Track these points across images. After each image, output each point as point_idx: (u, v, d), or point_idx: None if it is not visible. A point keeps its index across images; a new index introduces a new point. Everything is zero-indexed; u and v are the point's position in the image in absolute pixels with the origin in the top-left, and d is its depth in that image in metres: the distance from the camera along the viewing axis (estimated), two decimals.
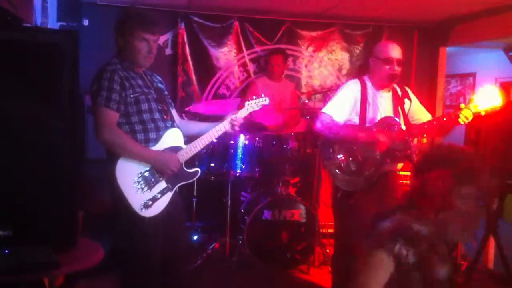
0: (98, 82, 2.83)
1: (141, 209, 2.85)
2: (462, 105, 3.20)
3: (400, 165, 3.57)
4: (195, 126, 3.29)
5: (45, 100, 2.58)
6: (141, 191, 2.87)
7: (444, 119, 3.31)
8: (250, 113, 3.34)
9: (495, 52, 6.34)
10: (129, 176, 2.86)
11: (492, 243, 4.67)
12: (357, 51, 6.15)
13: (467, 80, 7.34)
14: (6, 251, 2.35)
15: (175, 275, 3.12)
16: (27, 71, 2.55)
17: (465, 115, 3.20)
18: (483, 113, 3.18)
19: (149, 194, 2.88)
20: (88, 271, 2.55)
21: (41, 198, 2.57)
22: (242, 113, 3.25)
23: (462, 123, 3.23)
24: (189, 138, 3.13)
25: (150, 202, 2.88)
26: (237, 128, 3.21)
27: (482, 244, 4.42)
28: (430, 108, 5.75)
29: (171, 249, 3.03)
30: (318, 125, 3.43)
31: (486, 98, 3.17)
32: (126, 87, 2.84)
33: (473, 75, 7.27)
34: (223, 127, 3.16)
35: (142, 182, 2.88)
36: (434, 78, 6.27)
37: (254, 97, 3.38)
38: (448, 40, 6.14)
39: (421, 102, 3.67)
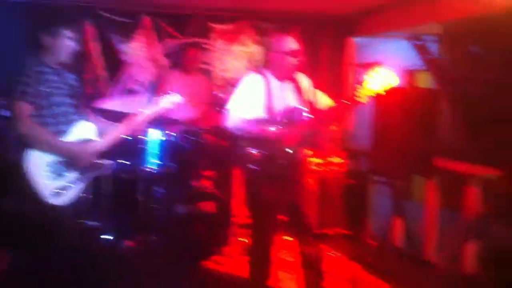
0: (13, 78, 2.90)
1: (52, 197, 2.90)
2: (358, 86, 3.33)
3: (310, 152, 3.65)
4: (106, 125, 3.35)
5: None
6: (52, 180, 2.92)
7: (344, 102, 3.43)
8: (163, 108, 3.41)
9: (401, 42, 6.58)
10: (41, 164, 2.91)
11: (399, 222, 4.86)
12: (269, 43, 6.19)
13: (374, 68, 7.56)
14: None
15: (88, 269, 3.20)
16: None
17: (361, 96, 3.34)
18: (381, 92, 3.33)
19: (60, 183, 2.94)
20: None
21: None
22: (153, 111, 3.33)
23: (360, 103, 3.36)
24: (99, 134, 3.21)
25: (61, 191, 2.93)
26: (149, 125, 3.37)
27: (389, 224, 4.61)
28: (340, 98, 5.92)
29: (81, 239, 3.16)
30: (226, 123, 3.48)
31: (378, 78, 3.32)
32: (41, 81, 2.91)
33: (381, 64, 7.48)
34: (135, 124, 3.28)
35: (53, 171, 2.93)
36: (344, 67, 6.44)
37: (164, 94, 3.46)
38: (357, 31, 6.33)
39: (332, 91, 3.80)
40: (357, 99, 3.35)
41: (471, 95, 5.68)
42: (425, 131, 4.52)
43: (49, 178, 2.91)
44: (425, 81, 6.90)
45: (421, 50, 6.45)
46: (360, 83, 3.39)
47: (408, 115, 4.49)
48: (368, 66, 7.46)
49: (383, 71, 3.37)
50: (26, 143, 2.90)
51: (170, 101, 3.44)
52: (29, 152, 2.89)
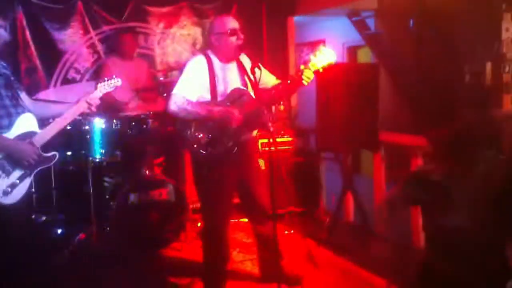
0: None
1: (1, 196, 2.78)
2: (302, 66, 3.38)
3: (255, 133, 3.67)
4: (48, 109, 3.26)
5: None
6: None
7: (289, 81, 3.47)
8: (105, 95, 3.33)
9: (341, 19, 6.66)
10: None
11: (350, 197, 4.96)
12: (209, 25, 6.13)
13: (317, 47, 7.64)
14: None
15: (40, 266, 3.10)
16: None
17: (306, 75, 3.38)
18: (321, 70, 3.39)
19: (7, 181, 2.82)
20: None
21: None
22: (93, 97, 3.22)
23: (305, 83, 3.41)
24: (43, 122, 3.10)
25: (9, 189, 2.81)
26: (93, 109, 3.21)
27: (340, 199, 4.70)
28: (285, 77, 5.96)
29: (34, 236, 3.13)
30: (172, 107, 3.43)
31: (321, 57, 3.37)
32: None
33: (323, 41, 7.58)
34: (78, 108, 3.15)
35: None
36: (285, 47, 6.46)
37: (105, 79, 3.36)
38: (295, 9, 6.35)
39: (275, 71, 3.81)
40: (302, 79, 3.38)
41: (409, 68, 5.85)
42: (368, 106, 4.60)
43: None
44: (365, 56, 7.05)
45: (360, 26, 6.57)
46: (303, 63, 3.42)
47: (350, 91, 4.55)
48: (310, 45, 7.56)
49: (325, 50, 3.42)
50: None
51: (110, 86, 3.36)
52: None
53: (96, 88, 3.30)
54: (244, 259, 4.37)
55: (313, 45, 7.74)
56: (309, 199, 5.35)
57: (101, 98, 3.28)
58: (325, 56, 3.41)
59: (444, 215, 2.35)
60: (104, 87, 3.31)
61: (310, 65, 3.40)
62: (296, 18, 6.47)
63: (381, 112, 4.65)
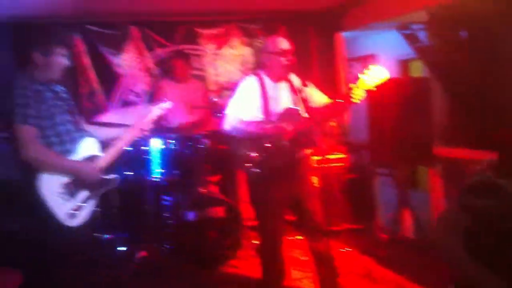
0: (10, 100, 2.82)
1: (68, 219, 2.87)
2: (352, 85, 3.35)
3: (309, 151, 3.68)
4: (107, 132, 3.35)
5: None
6: (66, 201, 2.88)
7: (341, 100, 3.46)
8: (161, 117, 3.44)
9: (392, 32, 6.60)
10: (53, 187, 2.87)
11: (407, 213, 4.88)
12: (259, 45, 6.21)
13: (370, 62, 7.56)
14: None
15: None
16: None
17: (358, 93, 3.36)
18: (374, 88, 3.35)
19: (73, 204, 2.91)
20: None
21: None
22: (147, 119, 3.35)
23: (357, 101, 3.38)
24: (104, 144, 3.19)
25: (75, 212, 2.90)
26: (146, 133, 3.34)
27: (396, 215, 4.63)
28: (335, 94, 5.94)
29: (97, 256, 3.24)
30: (226, 127, 3.52)
31: (373, 75, 3.34)
32: (40, 100, 2.86)
33: (375, 56, 7.51)
34: (133, 132, 3.26)
35: (66, 192, 2.90)
36: (335, 63, 6.45)
37: (158, 103, 3.50)
38: (343, 25, 6.34)
39: (325, 88, 3.81)
40: (353, 99, 3.37)
41: (461, 80, 5.74)
42: (422, 120, 4.55)
43: (62, 200, 2.87)
44: (418, 69, 6.96)
45: (411, 39, 6.49)
46: (354, 81, 3.40)
47: (403, 105, 4.51)
48: (361, 60, 7.50)
49: (376, 68, 3.39)
50: (35, 167, 2.84)
51: (162, 108, 3.46)
52: (39, 175, 2.83)
53: (149, 111, 3.41)
54: (301, 277, 4.36)
55: (364, 60, 7.69)
56: (364, 215, 5.30)
57: (153, 121, 3.38)
58: (375, 74, 3.39)
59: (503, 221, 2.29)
60: (156, 110, 3.42)
61: (358, 83, 3.39)
62: (345, 33, 6.46)
63: (435, 126, 4.58)
